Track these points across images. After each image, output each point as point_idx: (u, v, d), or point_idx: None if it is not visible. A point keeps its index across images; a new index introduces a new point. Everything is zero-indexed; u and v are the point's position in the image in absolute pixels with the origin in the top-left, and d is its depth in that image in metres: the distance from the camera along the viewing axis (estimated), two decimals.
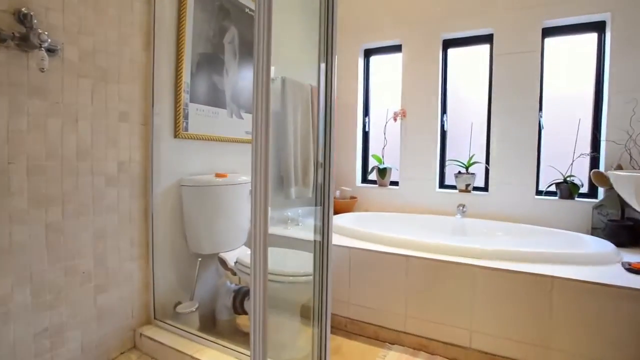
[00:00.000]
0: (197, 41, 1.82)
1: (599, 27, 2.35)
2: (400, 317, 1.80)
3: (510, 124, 2.48)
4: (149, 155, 1.69)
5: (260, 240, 1.07)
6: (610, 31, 2.27)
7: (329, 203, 1.50)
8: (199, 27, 1.82)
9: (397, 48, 2.82)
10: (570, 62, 2.48)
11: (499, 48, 2.50)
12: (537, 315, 1.53)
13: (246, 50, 2.10)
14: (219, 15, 1.94)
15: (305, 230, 2.21)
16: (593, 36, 2.38)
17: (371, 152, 2.98)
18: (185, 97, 1.77)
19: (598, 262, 1.68)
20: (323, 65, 2.52)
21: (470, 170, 2.63)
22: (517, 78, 2.45)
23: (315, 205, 1.48)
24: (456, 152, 2.74)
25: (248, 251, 1.93)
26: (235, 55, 2.05)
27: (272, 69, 1.20)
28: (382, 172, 2.79)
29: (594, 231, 2.20)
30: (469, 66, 2.74)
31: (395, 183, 2.85)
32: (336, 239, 1.99)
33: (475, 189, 2.64)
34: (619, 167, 2.16)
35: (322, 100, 1.43)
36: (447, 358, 1.67)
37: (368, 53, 2.98)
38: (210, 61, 1.90)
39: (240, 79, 2.09)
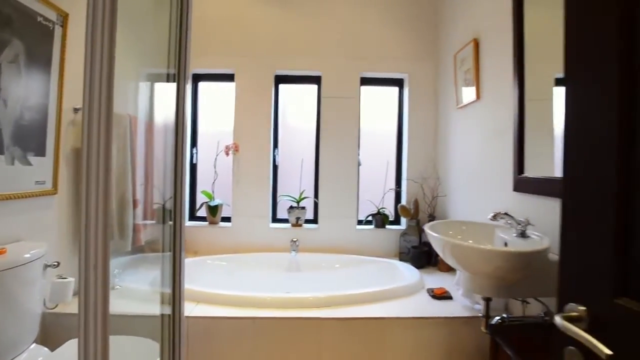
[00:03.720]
0: None
1: (399, 83, 2.81)
2: None
3: (335, 160, 2.68)
4: None
5: None
6: (407, 87, 2.74)
7: (181, 261, 1.22)
8: None
9: (229, 77, 2.67)
10: (380, 110, 2.87)
11: (326, 90, 2.67)
12: (376, 352, 1.64)
13: (38, 71, 1.53)
14: None
15: (130, 299, 1.76)
16: (396, 89, 2.84)
17: (200, 187, 2.71)
18: None
19: (412, 292, 1.94)
20: (145, 88, 2.12)
21: (301, 204, 2.71)
22: (340, 119, 2.68)
23: (163, 251, 1.19)
24: (288, 187, 2.78)
25: (43, 351, 1.40)
26: (20, 77, 1.45)
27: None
28: (213, 209, 2.57)
29: (401, 255, 2.58)
30: (299, 103, 2.83)
31: (227, 219, 2.67)
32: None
33: (307, 221, 2.73)
34: (416, 202, 2.60)
35: (172, 129, 1.18)
36: None
37: (196, 78, 2.72)
38: None
39: (27, 110, 1.49)
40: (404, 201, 2.73)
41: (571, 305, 0.67)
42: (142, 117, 2.13)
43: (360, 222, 2.74)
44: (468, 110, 2.18)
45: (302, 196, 2.71)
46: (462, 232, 1.59)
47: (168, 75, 1.28)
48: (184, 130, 1.20)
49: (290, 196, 2.72)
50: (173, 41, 1.24)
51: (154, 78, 2.00)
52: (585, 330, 0.62)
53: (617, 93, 0.59)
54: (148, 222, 2.18)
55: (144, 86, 2.22)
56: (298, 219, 2.67)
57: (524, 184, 1.55)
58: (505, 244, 1.43)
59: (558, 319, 0.65)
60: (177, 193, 1.20)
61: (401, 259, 2.52)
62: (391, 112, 2.85)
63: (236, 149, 2.56)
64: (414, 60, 2.70)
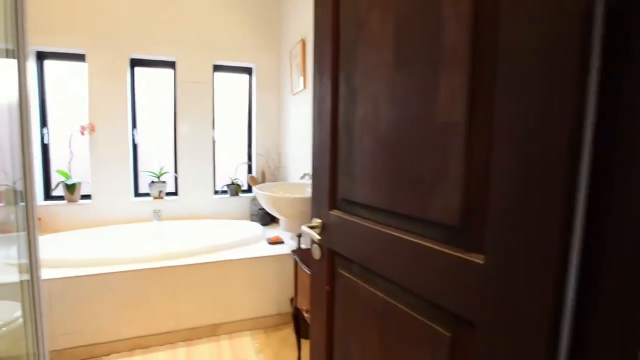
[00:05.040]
0: None
1: (249, 71, 3.29)
2: (113, 328, 2.00)
3: (192, 139, 3.06)
4: None
5: None
6: (255, 75, 3.23)
7: (34, 231, 1.43)
8: None
9: (79, 57, 2.72)
10: (234, 93, 3.31)
11: (181, 75, 2.98)
12: (223, 288, 2.19)
13: None
14: None
15: None
16: (246, 77, 3.30)
17: (55, 166, 2.76)
18: None
19: (254, 241, 2.53)
20: None
21: (162, 179, 3.02)
22: (196, 102, 3.04)
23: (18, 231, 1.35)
24: (149, 164, 3.04)
25: None
26: None
27: None
28: (71, 187, 2.69)
29: (252, 217, 3.16)
30: (158, 85, 3.06)
31: (88, 196, 2.81)
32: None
33: (168, 194, 3.07)
34: (263, 173, 3.20)
35: (13, 108, 1.27)
36: (159, 345, 2.07)
37: (41, 56, 2.68)
38: None
39: None
40: (254, 172, 3.29)
41: (314, 219, 1.08)
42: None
43: (217, 192, 3.21)
44: (299, 96, 2.79)
45: (163, 171, 3.02)
46: (284, 189, 2.22)
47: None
48: (28, 110, 1.24)
49: (151, 172, 3.00)
50: (10, 14, 1.30)
51: None
52: (318, 233, 1.06)
53: (331, 96, 0.96)
54: None
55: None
56: (160, 192, 2.99)
57: None
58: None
59: (303, 227, 1.10)
60: (27, 173, 1.38)
61: (252, 220, 3.11)
62: (244, 96, 3.33)
63: (92, 128, 2.70)
64: (260, 52, 3.20)
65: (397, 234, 0.74)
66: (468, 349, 0.60)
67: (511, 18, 0.51)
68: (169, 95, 3.06)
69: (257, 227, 2.80)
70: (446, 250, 0.62)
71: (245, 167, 3.35)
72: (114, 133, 2.82)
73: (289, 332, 2.21)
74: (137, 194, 3.02)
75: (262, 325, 2.31)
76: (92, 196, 2.79)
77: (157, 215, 2.89)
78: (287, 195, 1.94)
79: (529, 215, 0.49)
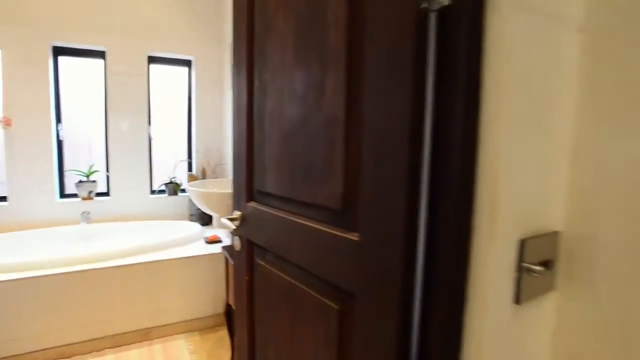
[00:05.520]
0: None
1: (188, 64, 3.20)
2: (33, 338, 1.86)
3: (126, 135, 2.90)
4: None
5: None
6: (194, 69, 3.15)
7: None
8: None
9: None
10: (173, 87, 3.20)
11: (112, 66, 2.81)
12: (155, 290, 2.14)
13: None
14: None
15: None
16: (185, 70, 3.22)
17: None
18: None
19: (192, 240, 2.49)
20: None
21: (92, 178, 2.87)
22: (129, 96, 2.87)
23: None
24: (77, 162, 2.87)
25: None
26: None
27: None
28: None
29: (191, 217, 3.09)
30: (86, 77, 2.87)
31: (3, 198, 2.59)
32: None
33: (99, 194, 2.91)
34: (204, 170, 3.15)
35: None
36: (85, 353, 1.95)
37: None
38: None
39: None
40: (194, 170, 3.23)
41: (235, 212, 1.11)
42: None
43: (154, 192, 3.10)
44: None
45: (92, 170, 2.86)
46: (220, 186, 2.22)
47: None
48: None
49: (79, 171, 2.83)
50: None
51: None
52: (238, 225, 1.08)
53: (247, 91, 1.00)
54: None
55: None
56: (90, 192, 2.83)
57: None
58: None
59: (222, 220, 1.11)
60: None
61: (191, 220, 3.04)
62: (183, 90, 3.22)
63: (7, 123, 2.49)
64: (200, 44, 3.07)
65: (296, 220, 0.80)
66: (352, 319, 0.67)
67: (372, 25, 0.58)
68: (99, 87, 2.90)
69: (195, 226, 2.75)
70: (332, 231, 0.69)
71: (185, 164, 3.27)
72: (35, 128, 2.60)
73: (225, 333, 2.20)
74: (62, 195, 2.83)
75: (198, 327, 2.25)
76: (8, 198, 2.56)
77: (86, 217, 2.73)
78: (216, 190, 1.94)
79: (385, 198, 0.57)
